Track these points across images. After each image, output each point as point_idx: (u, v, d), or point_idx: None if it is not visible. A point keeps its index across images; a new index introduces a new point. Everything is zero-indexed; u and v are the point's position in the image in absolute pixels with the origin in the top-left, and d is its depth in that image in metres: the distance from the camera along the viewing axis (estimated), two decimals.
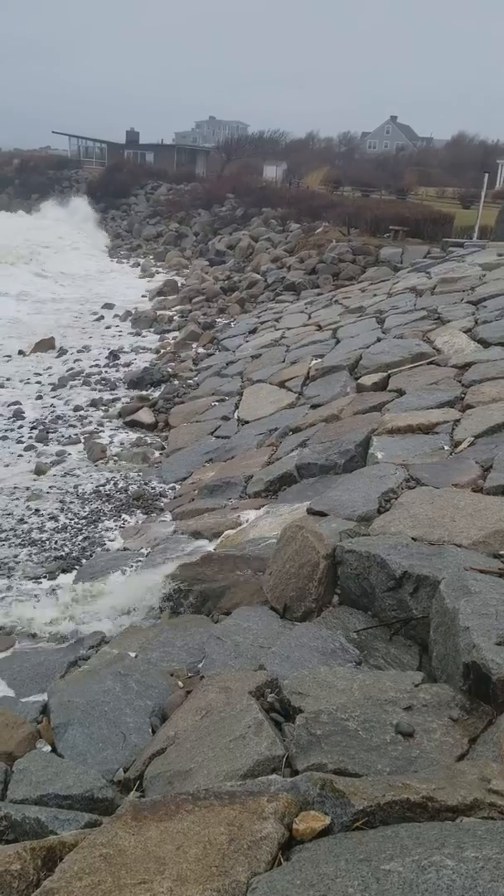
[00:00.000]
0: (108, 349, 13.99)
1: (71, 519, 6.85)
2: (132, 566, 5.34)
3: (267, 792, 1.81)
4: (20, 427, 9.49)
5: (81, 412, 10.22)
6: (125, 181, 41.09)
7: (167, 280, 21.69)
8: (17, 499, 7.27)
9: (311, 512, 4.67)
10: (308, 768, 2.12)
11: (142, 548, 5.80)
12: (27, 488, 7.53)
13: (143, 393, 11.11)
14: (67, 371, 12.34)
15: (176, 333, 15.45)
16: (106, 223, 35.53)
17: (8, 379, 11.70)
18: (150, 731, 2.99)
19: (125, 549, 6.00)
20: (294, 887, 1.46)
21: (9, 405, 10.28)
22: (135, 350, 14.21)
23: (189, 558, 4.86)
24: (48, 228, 31.33)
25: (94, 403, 10.60)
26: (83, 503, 7.21)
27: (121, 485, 7.66)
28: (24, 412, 10.03)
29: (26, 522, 6.74)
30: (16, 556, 6.06)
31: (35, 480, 7.80)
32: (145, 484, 7.69)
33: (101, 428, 9.65)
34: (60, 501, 7.24)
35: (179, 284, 21.08)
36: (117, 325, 16.51)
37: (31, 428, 9.46)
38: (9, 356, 13.21)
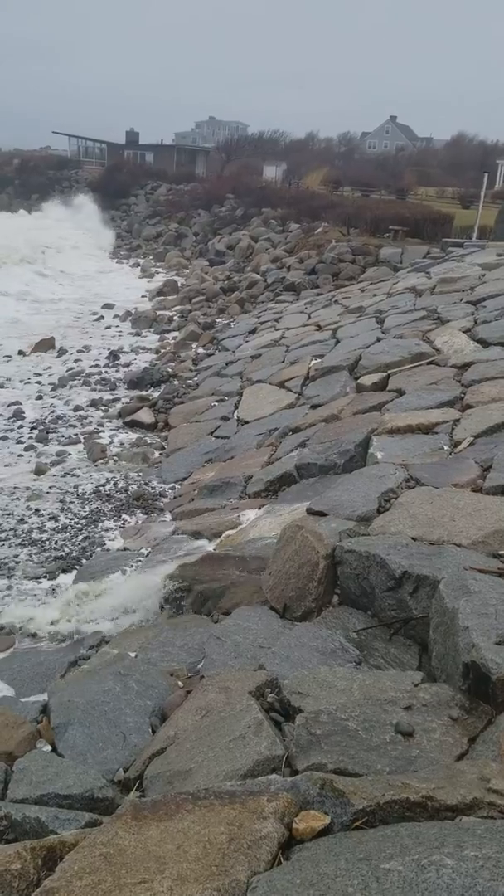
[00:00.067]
0: (108, 349, 13.99)
1: (71, 519, 6.85)
2: (132, 566, 5.35)
3: (267, 791, 1.81)
4: (20, 427, 9.49)
5: (81, 412, 10.22)
6: (125, 181, 41.10)
7: (167, 280, 21.69)
8: (18, 499, 7.28)
9: (310, 512, 4.67)
10: (308, 768, 2.13)
11: (142, 548, 5.81)
12: (27, 488, 7.53)
13: (143, 393, 11.11)
14: (67, 371, 12.34)
15: (176, 333, 15.46)
16: (107, 222, 35.50)
17: (8, 379, 11.70)
18: (150, 730, 2.99)
19: (125, 549, 6.00)
20: (294, 886, 1.46)
21: (9, 405, 10.28)
22: (135, 350, 14.22)
23: (189, 558, 4.86)
24: (50, 228, 31.32)
25: (94, 403, 10.60)
26: (83, 503, 7.21)
27: (121, 485, 7.66)
28: (24, 412, 10.04)
29: (26, 522, 6.74)
30: (16, 556, 6.06)
31: (35, 480, 7.80)
32: (145, 484, 7.70)
33: (101, 428, 9.65)
34: (60, 501, 7.25)
35: (179, 285, 21.09)
36: (117, 326, 16.51)
37: (31, 428, 9.46)
38: (9, 356, 13.21)
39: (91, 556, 6.08)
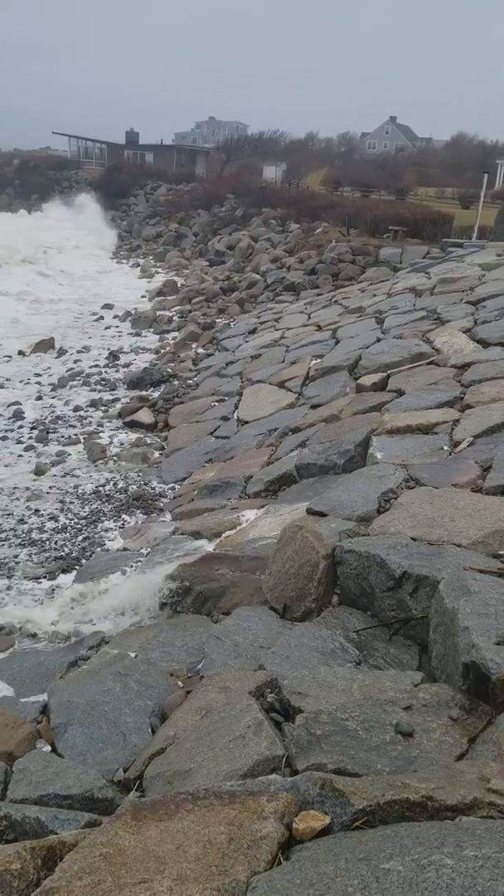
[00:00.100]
0: (108, 349, 13.99)
1: (71, 519, 6.85)
2: (132, 566, 5.35)
3: (267, 791, 1.81)
4: (20, 427, 9.49)
5: (81, 412, 10.22)
6: (125, 182, 41.11)
7: (167, 280, 21.69)
8: (17, 499, 7.28)
9: (310, 512, 4.68)
10: (308, 768, 2.13)
11: (141, 548, 5.81)
12: (27, 488, 7.53)
13: (143, 393, 11.11)
14: (67, 371, 12.34)
15: (175, 334, 15.46)
16: (109, 221, 35.45)
17: (8, 379, 11.71)
18: (150, 731, 2.99)
19: (125, 549, 6.00)
20: (294, 886, 1.46)
21: (9, 405, 10.28)
22: (134, 350, 14.22)
23: (189, 558, 4.86)
24: (51, 229, 31.31)
25: (93, 404, 10.60)
26: (83, 503, 7.21)
27: (121, 485, 7.66)
28: (23, 412, 10.04)
29: (26, 523, 6.74)
30: (16, 557, 6.06)
31: (35, 481, 7.80)
32: (145, 484, 7.70)
33: (100, 428, 9.65)
34: (60, 502, 7.25)
35: (179, 285, 21.09)
36: (117, 326, 16.52)
37: (31, 428, 9.46)
38: (9, 356, 13.21)
39: (91, 556, 6.08)
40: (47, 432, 9.30)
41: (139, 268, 26.10)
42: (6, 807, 2.19)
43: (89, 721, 3.05)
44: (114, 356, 13.51)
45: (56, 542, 6.36)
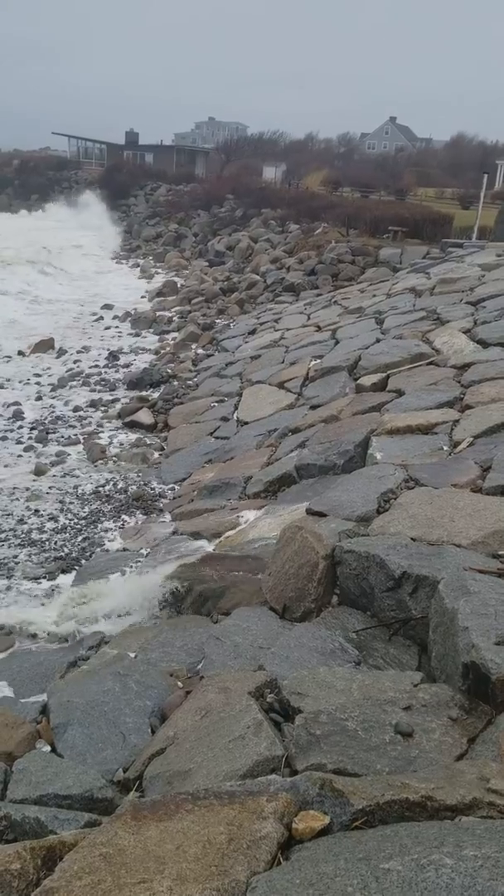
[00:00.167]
0: (108, 350, 14.00)
1: (70, 519, 6.85)
2: (132, 567, 5.35)
3: (266, 792, 1.81)
4: (20, 428, 9.49)
5: (81, 413, 10.23)
6: (124, 182, 41.13)
7: (166, 281, 21.69)
8: (17, 499, 7.28)
9: (310, 512, 4.68)
10: (307, 768, 2.13)
11: (141, 548, 5.81)
12: (27, 489, 7.53)
13: (143, 394, 11.12)
14: (67, 372, 12.35)
15: (175, 334, 15.46)
16: (115, 221, 35.35)
17: (7, 379, 11.71)
18: (150, 731, 2.99)
19: (125, 549, 6.00)
20: (293, 886, 1.46)
21: (8, 406, 10.28)
22: (134, 351, 14.22)
23: (188, 559, 4.87)
24: (54, 229, 31.31)
25: (93, 404, 10.61)
26: (83, 504, 7.21)
27: (120, 485, 7.66)
28: (23, 413, 10.04)
29: (26, 523, 6.74)
30: (15, 557, 6.06)
31: (35, 481, 7.80)
32: (145, 484, 7.70)
33: (100, 428, 9.65)
34: (60, 502, 7.25)
35: (179, 285, 21.09)
36: (117, 326, 16.52)
37: (31, 428, 9.46)
38: (8, 357, 13.21)
39: (91, 556, 6.08)
40: (47, 432, 9.30)
41: (139, 268, 26.10)
42: (6, 807, 2.19)
43: (89, 721, 3.05)
44: (113, 356, 13.51)
45: (56, 543, 6.36)
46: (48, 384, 11.57)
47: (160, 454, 8.74)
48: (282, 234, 25.54)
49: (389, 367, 7.88)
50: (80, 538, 6.46)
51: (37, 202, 41.39)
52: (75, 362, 13.02)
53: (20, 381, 11.71)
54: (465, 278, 11.85)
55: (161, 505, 7.19)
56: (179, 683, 3.37)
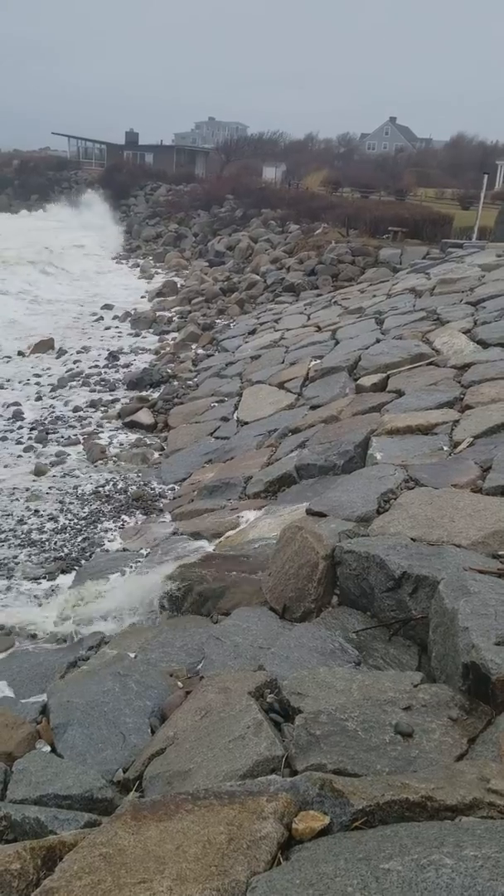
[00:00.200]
0: (108, 350, 14.00)
1: (70, 520, 6.85)
2: (132, 567, 5.35)
3: (266, 792, 1.81)
4: (20, 428, 9.49)
5: (81, 413, 10.23)
6: (124, 182, 41.14)
7: (166, 281, 21.70)
8: (17, 499, 7.28)
9: (310, 512, 4.68)
10: (307, 768, 2.13)
11: (141, 548, 5.81)
12: (27, 489, 7.53)
13: (143, 394, 11.12)
14: (67, 372, 12.35)
15: (175, 334, 15.46)
16: (118, 220, 35.26)
17: (7, 380, 11.71)
18: (150, 731, 2.99)
19: (125, 549, 6.00)
20: (293, 886, 1.46)
21: (8, 406, 10.29)
22: (134, 351, 14.22)
23: (188, 559, 4.87)
24: (56, 230, 31.30)
25: (93, 404, 10.61)
26: (83, 504, 7.21)
27: (120, 485, 7.66)
28: (23, 413, 10.04)
29: (26, 523, 6.74)
30: (15, 557, 6.06)
31: (34, 481, 7.80)
32: (145, 485, 7.70)
33: (100, 429, 9.65)
34: (60, 502, 7.25)
35: (179, 285, 21.10)
36: (116, 326, 16.52)
37: (31, 429, 9.47)
38: (8, 357, 13.22)
39: (90, 556, 6.08)
40: (47, 433, 9.30)
41: (139, 268, 26.11)
42: (6, 807, 2.19)
43: (89, 721, 3.05)
44: (113, 357, 13.51)
45: (56, 543, 6.36)
46: (48, 384, 11.57)
47: (160, 454, 8.74)
48: (282, 234, 25.54)
49: (389, 368, 7.88)
50: (79, 538, 6.46)
51: (37, 202, 41.39)
52: (75, 362, 13.02)
53: (20, 382, 11.71)
54: (465, 279, 11.85)
55: (161, 505, 7.19)
56: (179, 683, 3.37)
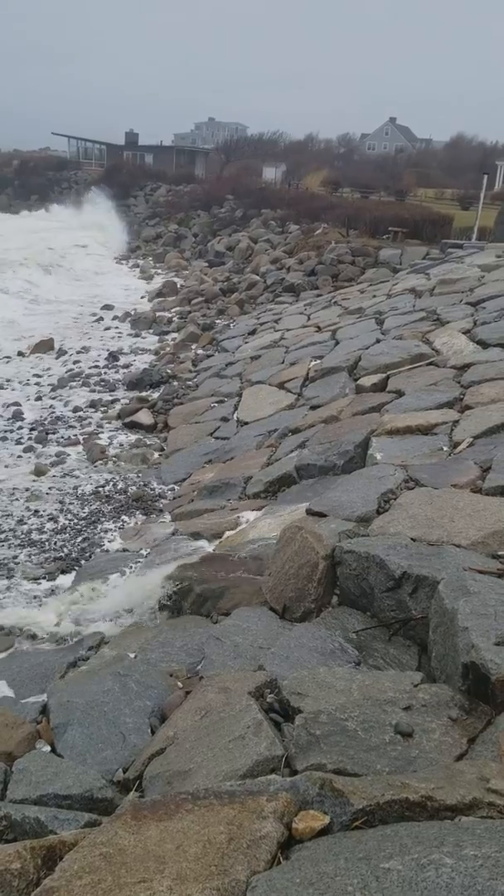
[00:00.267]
0: (108, 350, 13.99)
1: (70, 520, 6.85)
2: (131, 567, 5.35)
3: (266, 791, 1.81)
4: (20, 428, 9.49)
5: (81, 413, 10.23)
6: (124, 182, 41.13)
7: (166, 281, 21.70)
8: (17, 500, 7.28)
9: (310, 513, 4.68)
10: (307, 768, 2.13)
11: (141, 549, 5.81)
12: (27, 489, 7.53)
13: (143, 394, 11.12)
14: (67, 372, 12.35)
15: (175, 335, 15.46)
16: (122, 220, 35.13)
17: (7, 380, 11.71)
18: (150, 731, 2.99)
19: (124, 549, 6.00)
20: (293, 886, 1.46)
21: (8, 406, 10.29)
22: (134, 351, 14.22)
23: (188, 559, 4.87)
24: (56, 229, 31.28)
25: (93, 404, 10.61)
26: (82, 504, 7.21)
27: (120, 486, 7.66)
28: (23, 413, 10.04)
29: (26, 523, 6.74)
30: (15, 557, 6.06)
31: (34, 481, 7.80)
32: (144, 485, 7.70)
33: (100, 429, 9.65)
34: (60, 502, 7.25)
35: (178, 286, 21.09)
36: (116, 327, 16.52)
37: (31, 429, 9.47)
38: (8, 357, 13.21)
39: (90, 557, 6.08)
40: (47, 433, 9.30)
41: (139, 269, 26.11)
42: (6, 807, 2.19)
43: (89, 721, 3.05)
44: (113, 357, 13.51)
45: (55, 543, 6.36)
46: (48, 385, 11.57)
47: (160, 454, 8.74)
48: (282, 234, 25.55)
49: (389, 368, 7.88)
50: (79, 539, 6.46)
51: (37, 202, 41.41)
52: (75, 363, 13.02)
53: (20, 382, 11.71)
54: (464, 279, 11.85)
55: (161, 505, 7.19)
56: (179, 683, 3.37)
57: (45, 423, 9.75)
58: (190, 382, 11.60)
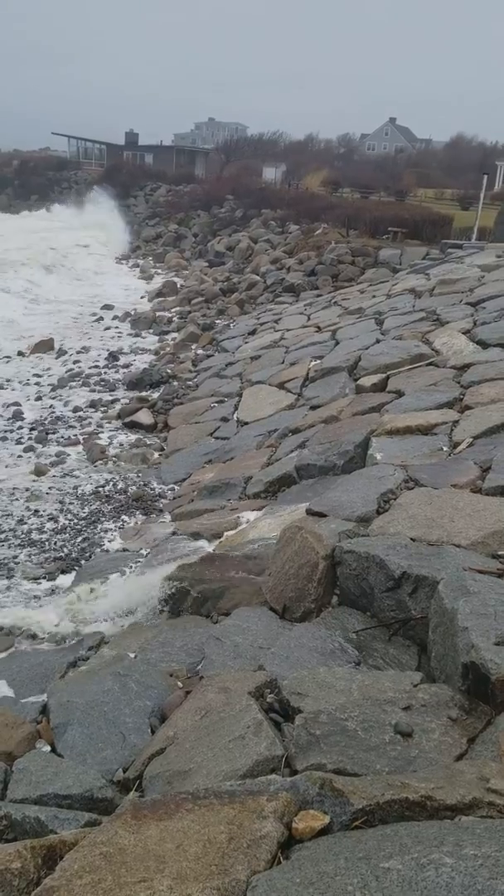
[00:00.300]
0: (108, 350, 14.00)
1: (70, 520, 6.85)
2: (131, 567, 5.35)
3: (266, 791, 1.82)
4: (20, 428, 9.50)
5: (81, 413, 10.23)
6: (124, 182, 41.12)
7: (166, 281, 21.70)
8: (17, 499, 7.28)
9: (310, 513, 4.68)
10: (307, 768, 2.13)
11: (141, 549, 5.81)
12: (27, 489, 7.54)
13: (143, 394, 11.12)
14: (67, 372, 12.35)
15: (175, 335, 15.47)
16: (125, 220, 35.09)
17: (7, 380, 11.71)
18: (150, 731, 2.99)
19: (124, 549, 6.01)
20: (294, 885, 1.46)
21: (8, 406, 10.29)
22: (134, 351, 14.23)
23: (188, 559, 4.87)
24: (57, 229, 31.26)
25: (93, 404, 10.61)
26: (82, 504, 7.21)
27: (120, 486, 7.66)
28: (23, 413, 10.04)
29: (26, 523, 6.74)
30: (15, 557, 6.06)
31: (34, 481, 7.80)
32: (144, 485, 7.70)
33: (100, 429, 9.66)
34: (60, 502, 7.25)
35: (178, 286, 21.10)
36: (116, 327, 16.52)
37: (31, 429, 9.47)
38: (8, 357, 13.22)
39: (90, 557, 6.08)
40: (47, 433, 9.30)
41: (139, 268, 26.12)
42: (6, 806, 2.20)
43: (89, 721, 3.06)
44: (113, 357, 13.52)
45: (55, 543, 6.36)
46: (48, 384, 11.57)
47: (160, 454, 8.75)
48: (282, 234, 25.55)
49: (389, 368, 7.89)
50: (79, 538, 6.47)
51: (37, 202, 41.41)
52: (75, 363, 13.02)
53: (20, 382, 11.71)
54: (464, 279, 11.86)
55: (161, 505, 7.19)
56: (179, 683, 3.37)
57: (45, 422, 9.75)
58: (190, 382, 11.60)
